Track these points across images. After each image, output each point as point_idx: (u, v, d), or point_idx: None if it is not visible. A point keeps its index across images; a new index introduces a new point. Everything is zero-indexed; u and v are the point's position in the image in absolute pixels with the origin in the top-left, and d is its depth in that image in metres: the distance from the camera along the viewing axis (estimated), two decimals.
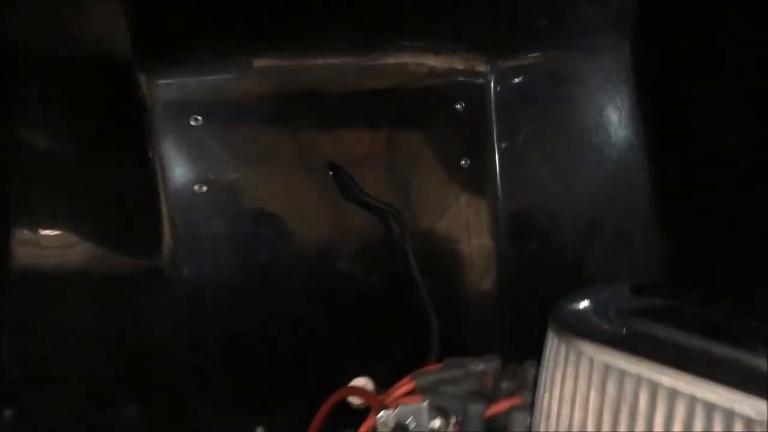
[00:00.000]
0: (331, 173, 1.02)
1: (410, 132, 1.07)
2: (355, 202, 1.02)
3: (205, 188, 0.97)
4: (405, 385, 0.83)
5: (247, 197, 1.00)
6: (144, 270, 0.94)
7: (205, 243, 0.97)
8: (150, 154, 0.94)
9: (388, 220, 1.03)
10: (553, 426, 0.65)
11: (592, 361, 0.61)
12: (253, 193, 1.00)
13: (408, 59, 1.04)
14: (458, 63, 1.07)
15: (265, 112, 1.00)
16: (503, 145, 1.09)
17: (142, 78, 0.93)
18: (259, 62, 0.99)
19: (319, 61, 1.01)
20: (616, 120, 1.04)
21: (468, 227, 1.09)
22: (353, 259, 1.04)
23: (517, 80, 1.08)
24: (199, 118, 0.96)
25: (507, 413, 0.75)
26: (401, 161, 1.06)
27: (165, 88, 0.94)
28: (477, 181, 1.09)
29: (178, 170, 0.96)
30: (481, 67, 1.07)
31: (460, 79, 1.07)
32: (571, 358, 0.64)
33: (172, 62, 0.94)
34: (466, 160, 1.08)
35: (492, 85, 1.08)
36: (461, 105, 1.07)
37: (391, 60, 1.03)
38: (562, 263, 1.08)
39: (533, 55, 1.08)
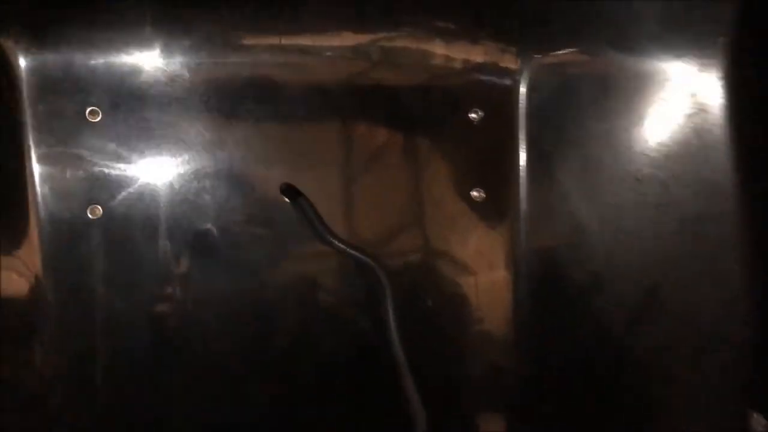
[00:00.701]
0: (287, 200, 0.72)
1: (404, 147, 0.76)
2: (321, 243, 0.71)
3: (99, 211, 0.67)
4: None
5: (165, 226, 0.70)
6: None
7: (92, 289, 0.67)
8: (22, 162, 0.65)
9: (363, 271, 0.72)
10: None
11: None
12: (173, 222, 0.70)
13: (405, 44, 0.74)
14: (477, 55, 0.76)
15: (195, 108, 0.70)
16: (532, 171, 0.78)
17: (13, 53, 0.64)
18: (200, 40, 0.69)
19: (277, 40, 0.71)
20: (695, 149, 0.73)
21: (476, 286, 0.79)
22: (313, 321, 0.74)
23: (557, 83, 0.77)
24: (98, 110, 0.67)
25: None
26: (389, 185, 0.76)
27: (46, 67, 0.65)
28: (492, 221, 0.79)
29: (62, 184, 0.66)
30: (510, 63, 0.77)
31: (478, 77, 0.77)
32: None
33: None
34: (479, 191, 0.77)
35: (522, 88, 0.77)
36: (477, 114, 0.77)
37: (381, 43, 0.73)
38: (604, 339, 0.78)
39: (584, 51, 0.77)
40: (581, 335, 0.78)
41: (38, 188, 0.67)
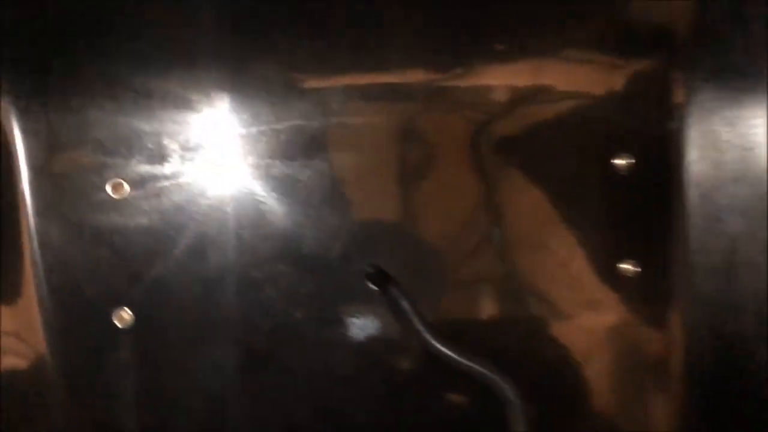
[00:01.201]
0: (375, 287, 0.53)
1: (530, 206, 0.57)
2: (422, 349, 0.53)
3: (128, 315, 0.51)
4: None
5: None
6: None
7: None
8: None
9: (483, 387, 0.53)
10: None
11: None
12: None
13: (526, 74, 0.55)
14: (623, 81, 0.56)
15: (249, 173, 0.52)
16: (699, 234, 0.58)
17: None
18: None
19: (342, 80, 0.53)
20: None
21: (627, 387, 0.59)
22: None
23: (732, 116, 0.56)
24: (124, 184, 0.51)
25: None
26: (509, 259, 0.57)
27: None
28: (647, 300, 0.58)
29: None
30: (675, 93, 0.56)
31: (626, 113, 0.56)
32: None
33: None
34: (629, 263, 0.57)
35: (690, 125, 0.57)
36: (626, 160, 0.57)
37: (487, 75, 0.54)
38: None
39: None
40: None
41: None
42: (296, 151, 0.53)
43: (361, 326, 0.54)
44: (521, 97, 0.55)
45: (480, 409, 0.55)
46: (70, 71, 0.49)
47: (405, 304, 0.52)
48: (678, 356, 0.59)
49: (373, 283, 0.54)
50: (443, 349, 0.51)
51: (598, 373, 0.59)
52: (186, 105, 0.51)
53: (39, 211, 0.50)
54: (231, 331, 0.53)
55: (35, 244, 0.49)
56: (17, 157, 0.49)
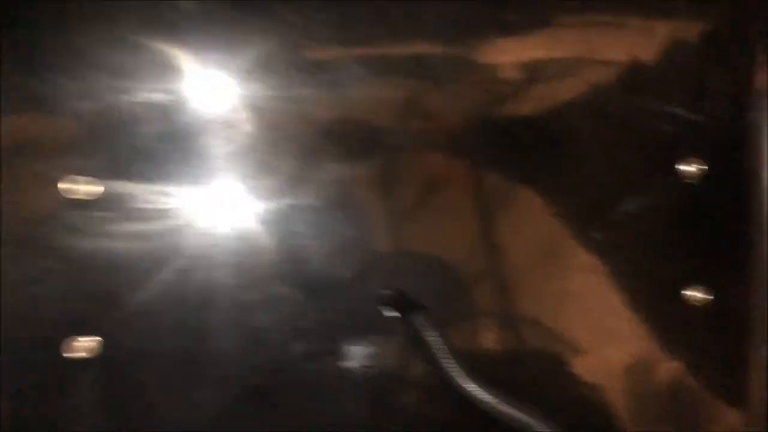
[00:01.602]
0: (395, 314, 0.44)
1: (578, 220, 0.47)
2: (451, 390, 0.43)
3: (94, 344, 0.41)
4: None
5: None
6: None
7: None
8: None
9: None
10: None
11: None
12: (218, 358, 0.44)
13: (572, 58, 0.46)
14: (687, 59, 0.47)
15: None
16: None
17: None
18: None
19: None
20: None
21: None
22: None
23: None
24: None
25: None
26: (552, 281, 0.47)
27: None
28: (720, 333, 0.48)
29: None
30: (758, 76, 0.47)
31: (695, 111, 0.47)
32: None
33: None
34: (698, 289, 0.48)
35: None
36: (695, 167, 0.47)
37: (536, 58, 0.45)
38: None
39: None
40: None
41: None
42: (301, 149, 0.44)
43: (376, 362, 0.45)
44: (548, 76, 0.46)
45: None
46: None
47: (430, 337, 0.42)
48: (758, 402, 0.49)
49: (392, 310, 0.45)
50: (479, 393, 0.41)
51: (656, 416, 0.49)
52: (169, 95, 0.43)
53: None
54: (219, 368, 0.44)
55: None
56: None
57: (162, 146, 0.42)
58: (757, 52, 0.46)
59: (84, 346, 0.42)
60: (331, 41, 0.44)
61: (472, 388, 0.42)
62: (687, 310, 0.48)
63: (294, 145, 0.44)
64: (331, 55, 0.44)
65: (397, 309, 0.44)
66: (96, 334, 0.42)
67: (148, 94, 0.42)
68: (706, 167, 0.47)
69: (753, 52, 0.46)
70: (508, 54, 0.46)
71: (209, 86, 0.43)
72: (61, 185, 0.41)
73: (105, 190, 0.42)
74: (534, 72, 0.46)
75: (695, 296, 0.48)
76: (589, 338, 0.47)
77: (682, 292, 0.48)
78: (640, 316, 0.48)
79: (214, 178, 0.44)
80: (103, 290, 0.42)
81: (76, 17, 0.42)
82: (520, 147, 0.46)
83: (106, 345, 0.42)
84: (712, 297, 0.48)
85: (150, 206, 0.42)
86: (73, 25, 0.42)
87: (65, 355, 0.41)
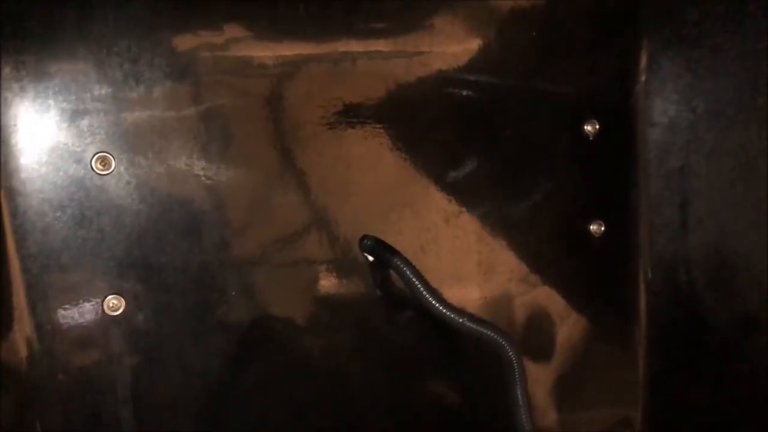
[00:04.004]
0: (370, 258, 0.53)
1: (502, 171, 0.58)
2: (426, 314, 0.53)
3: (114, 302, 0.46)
4: None
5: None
6: None
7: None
8: None
9: (483, 348, 0.54)
10: None
11: None
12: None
13: (499, 36, 0.56)
14: (590, 49, 0.59)
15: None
16: (659, 195, 0.62)
17: None
18: None
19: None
20: None
21: (597, 337, 0.62)
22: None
23: (689, 82, 0.61)
24: (111, 158, 0.46)
25: None
26: (483, 219, 0.58)
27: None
28: (613, 260, 0.62)
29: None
30: (634, 59, 0.60)
31: (592, 78, 0.59)
32: None
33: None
34: (598, 224, 0.60)
35: (649, 92, 0.61)
36: (594, 126, 0.59)
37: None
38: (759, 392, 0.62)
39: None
40: (729, 389, 0.63)
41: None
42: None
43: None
44: (503, 62, 0.56)
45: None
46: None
47: (409, 272, 0.51)
48: (641, 306, 0.63)
49: (371, 254, 0.53)
50: (448, 312, 0.51)
51: (571, 325, 0.61)
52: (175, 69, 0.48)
53: (17, 190, 0.44)
54: (232, 317, 0.50)
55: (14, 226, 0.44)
56: None
57: None
58: (642, 31, 0.59)
59: (113, 302, 0.47)
60: None
61: (445, 310, 0.51)
62: (588, 241, 0.61)
63: None
64: None
65: (375, 254, 0.53)
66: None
67: None
68: (597, 123, 0.59)
69: (639, 31, 0.59)
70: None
71: None
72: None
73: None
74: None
75: (598, 228, 0.61)
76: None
77: (588, 226, 0.61)
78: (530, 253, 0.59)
79: None
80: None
81: None
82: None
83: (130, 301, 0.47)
84: (604, 227, 0.61)
85: None
86: None
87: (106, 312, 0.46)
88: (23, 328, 0.45)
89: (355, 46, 0.52)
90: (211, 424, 0.50)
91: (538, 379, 0.61)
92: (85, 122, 0.45)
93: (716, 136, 0.61)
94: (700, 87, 0.60)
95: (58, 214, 0.45)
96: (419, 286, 0.51)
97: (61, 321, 0.45)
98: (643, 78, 0.60)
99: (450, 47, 0.55)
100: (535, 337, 0.60)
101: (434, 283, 0.52)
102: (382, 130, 0.54)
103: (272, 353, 0.52)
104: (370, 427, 0.54)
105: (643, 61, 0.59)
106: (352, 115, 0.53)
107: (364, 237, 0.53)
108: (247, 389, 0.51)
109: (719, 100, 0.61)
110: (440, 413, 0.57)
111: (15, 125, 0.44)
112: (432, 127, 0.55)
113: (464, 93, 0.56)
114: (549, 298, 0.61)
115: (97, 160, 0.46)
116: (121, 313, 0.47)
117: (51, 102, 0.44)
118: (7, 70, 0.43)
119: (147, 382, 0.48)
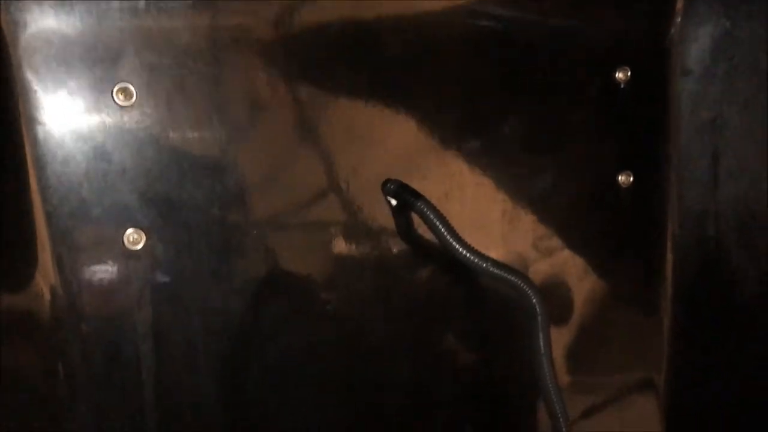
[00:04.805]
0: (395, 202, 0.52)
1: (529, 119, 0.57)
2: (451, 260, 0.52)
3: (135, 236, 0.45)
4: None
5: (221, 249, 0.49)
6: None
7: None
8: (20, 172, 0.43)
9: (508, 295, 0.53)
10: None
11: None
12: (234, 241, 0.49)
13: None
14: None
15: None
16: (690, 147, 0.60)
17: None
18: None
19: None
20: None
21: (621, 290, 0.61)
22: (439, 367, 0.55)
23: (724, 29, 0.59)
24: (131, 88, 0.45)
25: None
26: (510, 171, 0.57)
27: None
28: (640, 213, 0.60)
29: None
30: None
31: (623, 24, 0.57)
32: None
33: None
34: (627, 175, 0.59)
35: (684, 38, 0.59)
36: (625, 74, 0.58)
37: None
38: None
39: None
40: (755, 350, 0.62)
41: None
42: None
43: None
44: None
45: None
46: None
47: (433, 216, 0.50)
48: (667, 262, 0.61)
49: (394, 197, 0.52)
50: (472, 257, 0.50)
51: (594, 281, 0.60)
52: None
53: (37, 123, 0.44)
54: (252, 254, 0.49)
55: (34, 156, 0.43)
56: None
57: None
58: None
59: (134, 236, 0.46)
60: None
61: (468, 254, 0.50)
62: (618, 193, 0.59)
63: None
64: None
65: (398, 198, 0.52)
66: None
67: None
68: (629, 72, 0.58)
69: None
70: None
71: None
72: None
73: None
74: None
75: (626, 180, 0.59)
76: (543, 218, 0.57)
77: (617, 177, 0.59)
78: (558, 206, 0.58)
79: None
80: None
81: None
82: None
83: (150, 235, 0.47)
84: (633, 179, 0.59)
85: None
86: None
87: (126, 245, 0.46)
88: (44, 261, 0.44)
89: None
90: (230, 363, 0.50)
91: (559, 338, 0.59)
92: (107, 52, 0.44)
93: (751, 88, 0.59)
94: (738, 35, 0.58)
95: (79, 144, 0.44)
96: (442, 229, 0.50)
97: (81, 253, 0.45)
98: (678, 20, 0.58)
99: None
100: (557, 291, 0.59)
101: (457, 230, 0.51)
102: (407, 77, 0.52)
103: (293, 295, 0.51)
104: (391, 370, 0.54)
105: (679, 3, 0.57)
106: (376, 60, 0.51)
107: (388, 181, 0.52)
108: (267, 330, 0.51)
109: (756, 51, 0.59)
110: (462, 361, 0.56)
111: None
112: (458, 73, 0.54)
113: (493, 37, 0.54)
114: (573, 251, 0.59)
115: (118, 91, 0.45)
116: (141, 248, 0.46)
117: (72, 30, 0.44)
118: None
119: (167, 319, 0.48)
